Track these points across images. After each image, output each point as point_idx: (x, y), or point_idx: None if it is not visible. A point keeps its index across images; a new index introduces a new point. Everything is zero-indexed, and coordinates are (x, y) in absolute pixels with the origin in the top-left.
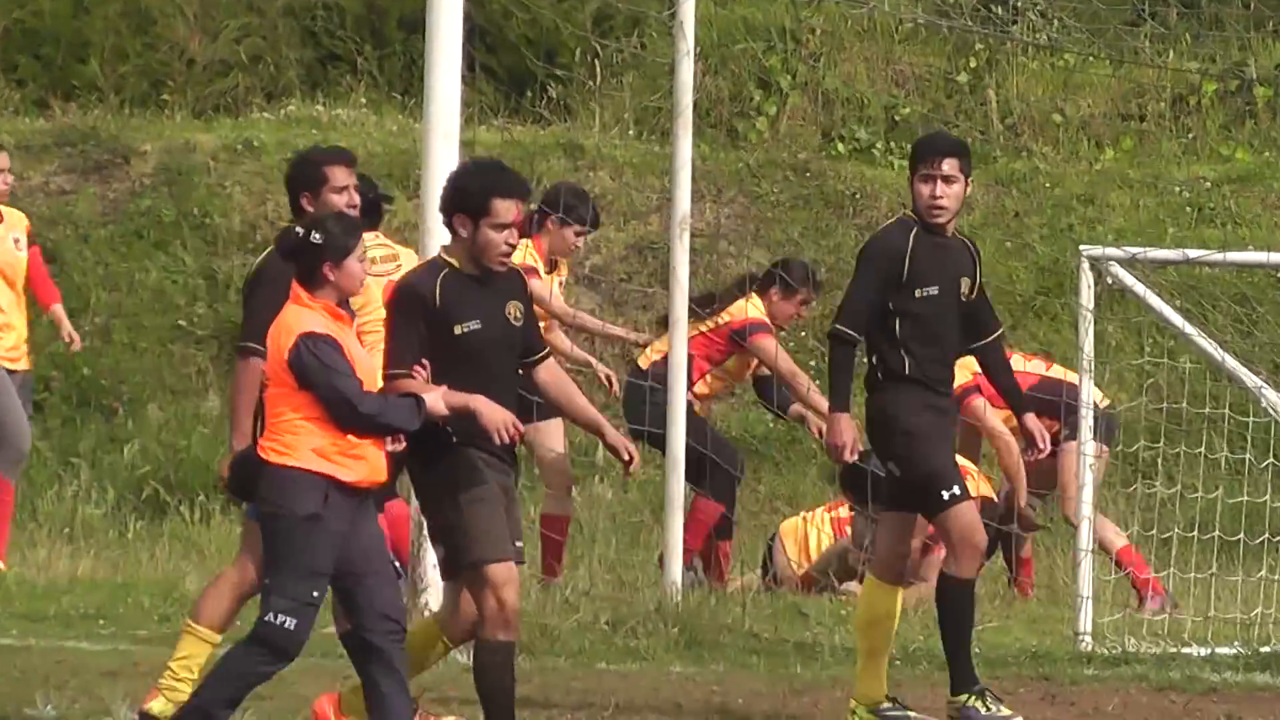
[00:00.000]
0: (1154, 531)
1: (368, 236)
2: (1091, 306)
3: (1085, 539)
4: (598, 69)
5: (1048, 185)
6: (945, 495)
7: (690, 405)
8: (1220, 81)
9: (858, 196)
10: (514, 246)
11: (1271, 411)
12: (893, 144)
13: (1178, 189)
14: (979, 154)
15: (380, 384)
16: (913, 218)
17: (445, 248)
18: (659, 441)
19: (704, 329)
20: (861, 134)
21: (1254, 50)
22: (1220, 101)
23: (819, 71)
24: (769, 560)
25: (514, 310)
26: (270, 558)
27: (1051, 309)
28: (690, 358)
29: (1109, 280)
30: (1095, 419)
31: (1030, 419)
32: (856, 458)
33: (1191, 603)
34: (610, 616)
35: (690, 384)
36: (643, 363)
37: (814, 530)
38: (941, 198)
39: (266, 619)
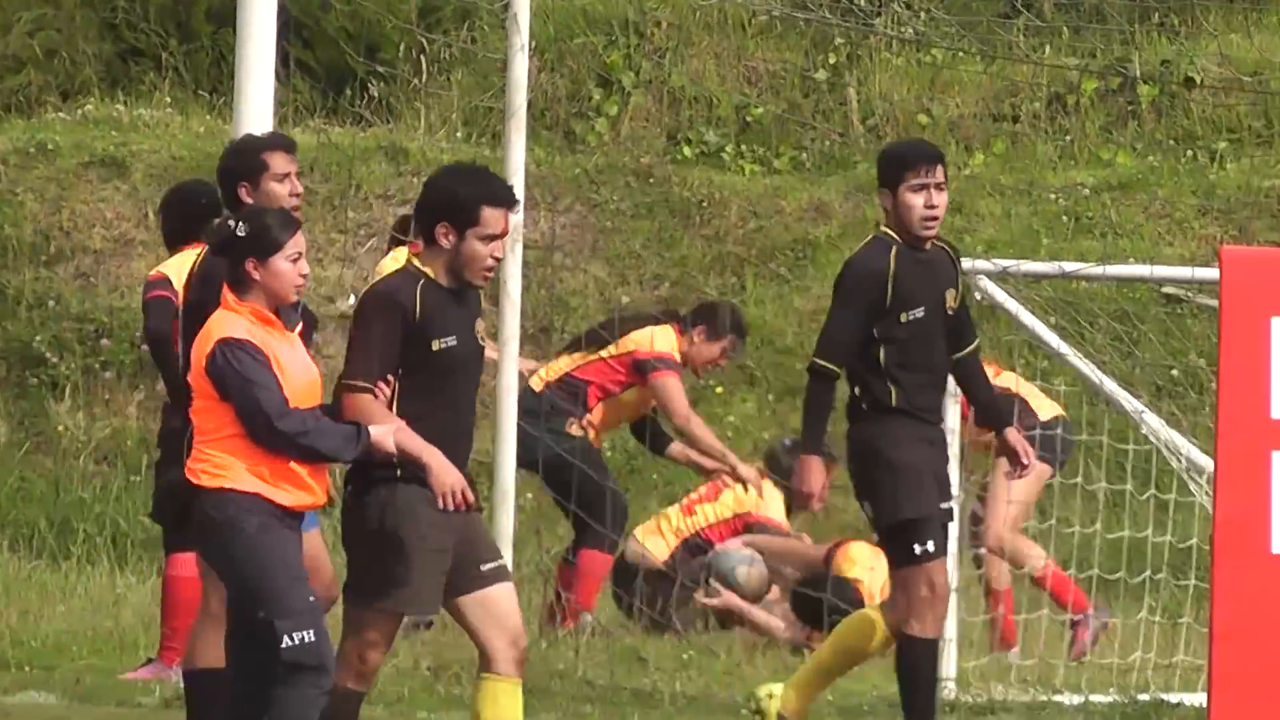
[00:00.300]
0: (1026, 568)
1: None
2: None
3: (952, 575)
4: (424, 65)
5: None
6: (917, 549)
7: (584, 437)
8: (1101, 79)
9: (705, 204)
10: (499, 260)
11: (1153, 439)
12: (744, 147)
13: (1054, 196)
14: (838, 159)
15: (323, 398)
16: (890, 236)
17: (418, 256)
18: (553, 473)
19: (606, 354)
20: (710, 136)
21: (1137, 45)
22: (1100, 101)
23: (664, 68)
24: (624, 592)
25: (480, 328)
26: (244, 585)
27: None
28: (585, 384)
29: (978, 296)
30: (1047, 434)
31: (1012, 433)
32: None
33: (1064, 644)
34: (432, 662)
35: (586, 410)
36: (535, 385)
37: (666, 519)
38: (937, 208)
39: (286, 646)
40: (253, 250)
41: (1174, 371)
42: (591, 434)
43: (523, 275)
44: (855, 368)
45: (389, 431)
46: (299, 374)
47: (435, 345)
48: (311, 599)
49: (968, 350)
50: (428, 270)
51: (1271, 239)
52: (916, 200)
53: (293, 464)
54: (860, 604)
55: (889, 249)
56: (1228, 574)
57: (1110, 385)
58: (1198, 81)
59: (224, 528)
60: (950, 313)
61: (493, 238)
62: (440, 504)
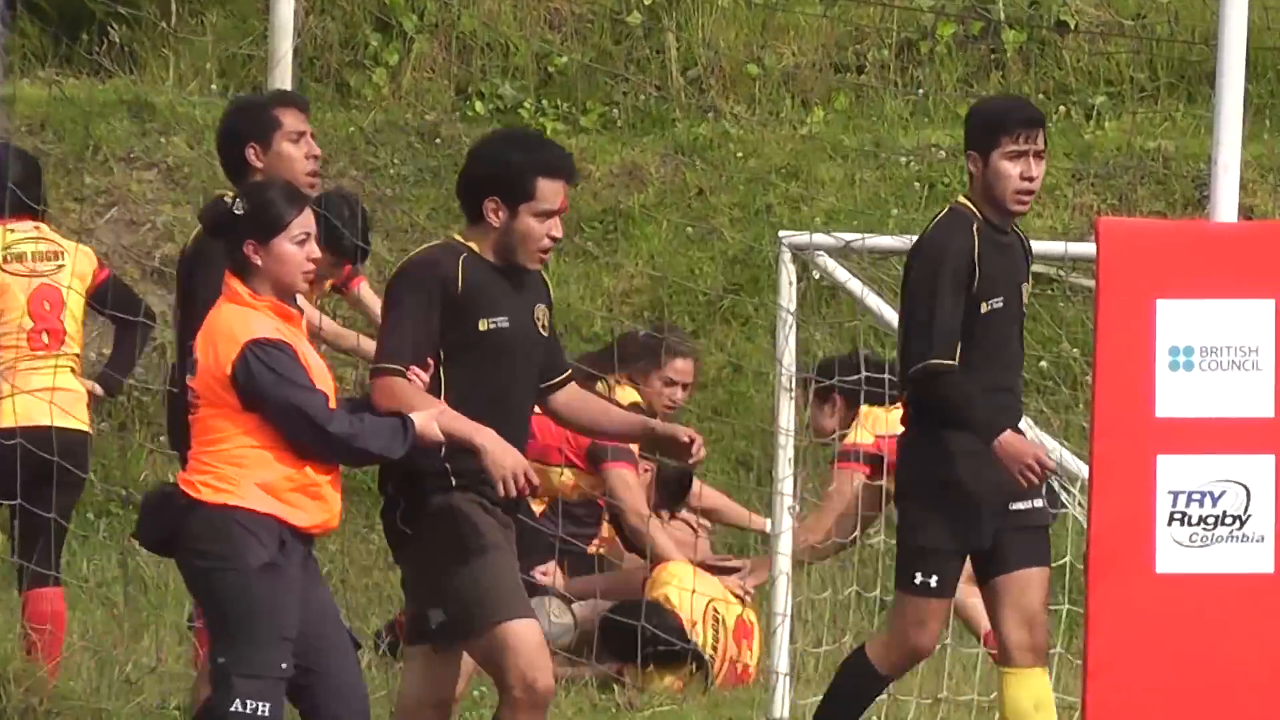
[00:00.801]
0: (875, 592)
1: (22, 226)
2: (794, 307)
3: (782, 599)
4: (172, 6)
5: (740, 155)
6: (916, 578)
7: None
8: (959, 24)
9: None
10: (557, 240)
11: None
12: (545, 102)
13: (905, 160)
14: (654, 116)
15: (346, 390)
16: (968, 208)
17: (462, 233)
18: None
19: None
20: (506, 89)
21: None
22: (959, 49)
23: (453, 10)
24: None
25: (542, 316)
26: (219, 627)
27: (743, 310)
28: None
29: (816, 274)
30: None
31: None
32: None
33: (918, 681)
34: (183, 700)
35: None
36: None
37: None
38: (1035, 180)
39: (234, 710)
40: (252, 231)
41: (1043, 363)
42: None
43: None
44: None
45: (432, 417)
46: (320, 372)
47: (483, 325)
48: (285, 666)
49: None
50: (471, 245)
51: (1156, 209)
52: (1011, 170)
53: (310, 473)
54: (680, 631)
55: (971, 225)
56: (1105, 598)
57: None
58: (1071, 26)
59: (222, 554)
60: (1024, 310)
61: (549, 214)
62: (500, 491)
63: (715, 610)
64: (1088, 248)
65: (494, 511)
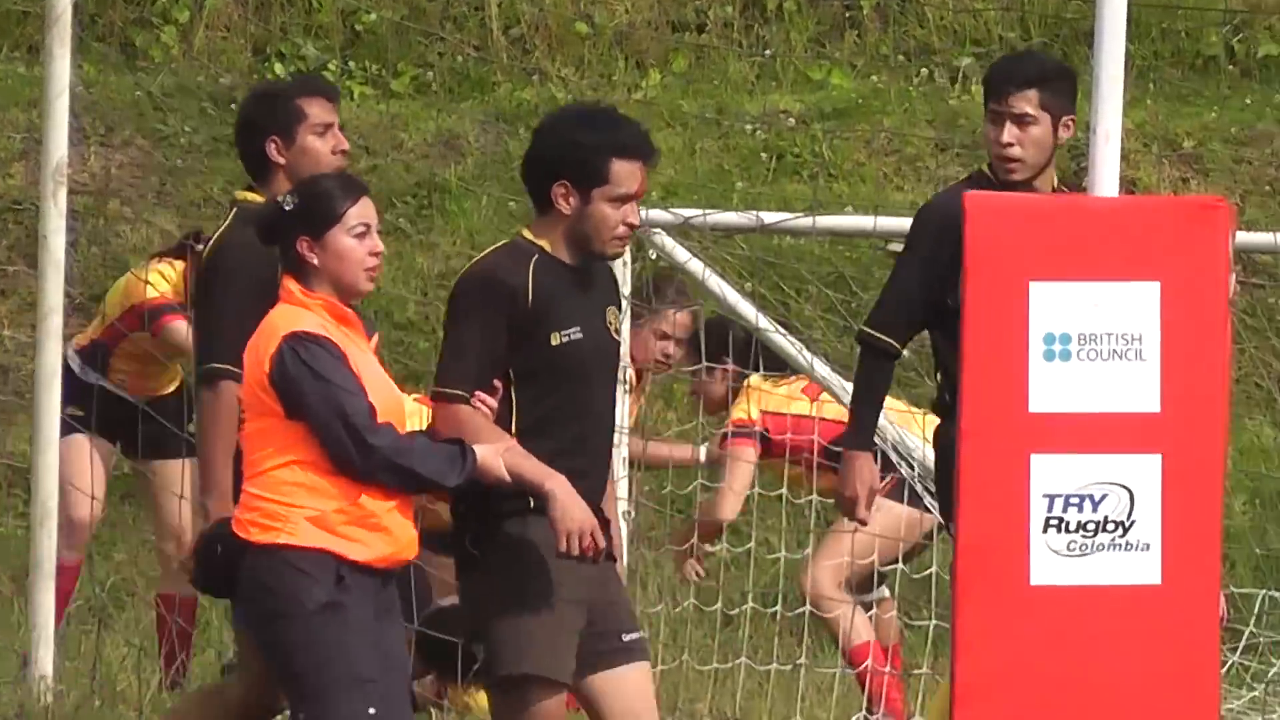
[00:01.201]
0: (717, 605)
1: None
2: (628, 290)
3: None
4: None
5: None
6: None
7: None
8: None
9: None
10: (634, 228)
11: (878, 439)
12: (352, 64)
13: (750, 128)
14: (473, 79)
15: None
16: (987, 174)
17: (530, 228)
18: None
19: None
20: (309, 50)
21: None
22: (810, 6)
23: None
24: None
25: (613, 318)
26: (289, 679)
27: None
28: None
29: (653, 254)
30: None
31: None
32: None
33: (767, 703)
34: None
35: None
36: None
37: None
38: (1012, 145)
39: None
40: (304, 226)
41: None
42: None
43: (68, 229)
44: (941, 348)
45: (498, 452)
46: (381, 390)
47: (555, 339)
48: (372, 711)
49: None
50: (541, 243)
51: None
52: (989, 132)
53: (365, 503)
54: None
55: (971, 189)
56: (973, 613)
57: (823, 370)
58: None
59: (277, 600)
60: None
61: (626, 198)
62: (562, 547)
63: None
64: None
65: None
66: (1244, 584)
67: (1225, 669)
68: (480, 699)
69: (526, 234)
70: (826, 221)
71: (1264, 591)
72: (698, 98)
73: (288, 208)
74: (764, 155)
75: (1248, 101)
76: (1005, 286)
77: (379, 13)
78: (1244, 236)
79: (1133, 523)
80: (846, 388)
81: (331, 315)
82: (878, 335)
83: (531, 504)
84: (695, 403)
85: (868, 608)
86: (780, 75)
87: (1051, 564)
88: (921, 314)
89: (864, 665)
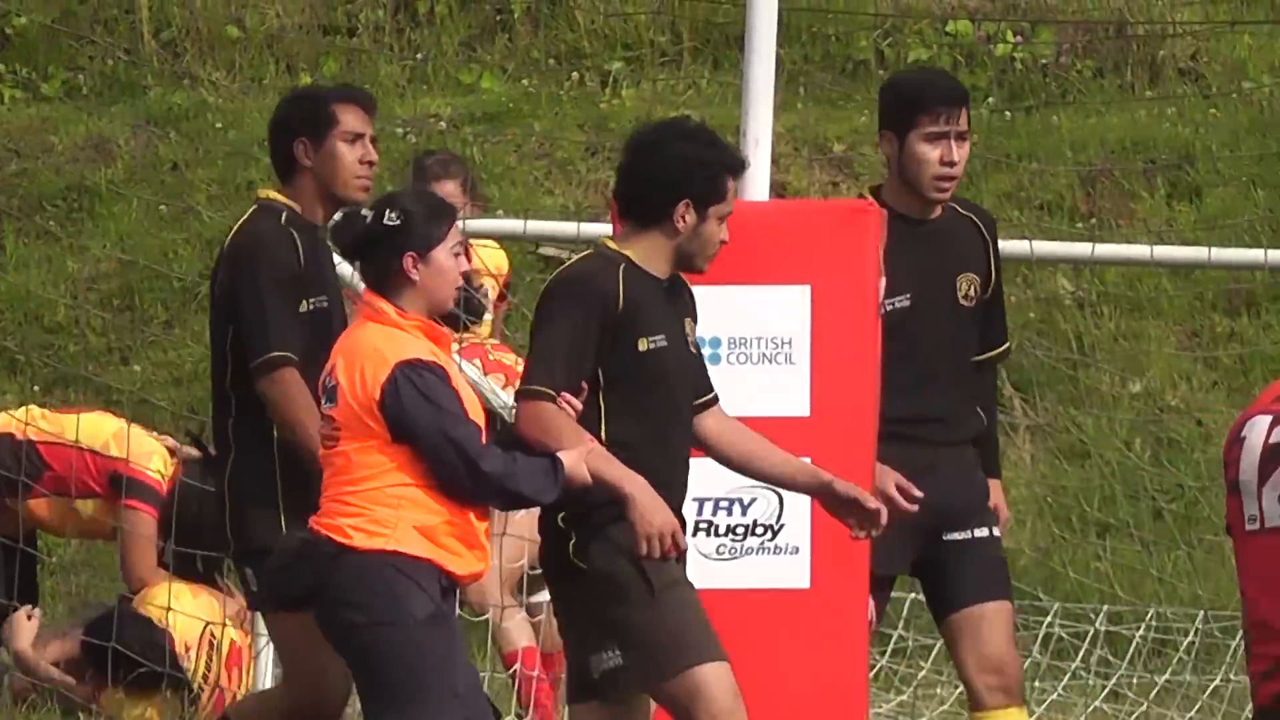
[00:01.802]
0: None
1: None
2: None
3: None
4: None
5: (220, 126)
6: None
7: None
8: None
9: None
10: (725, 244)
11: None
12: (2, 67)
13: (401, 130)
14: (124, 83)
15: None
16: (878, 197)
17: (614, 240)
18: None
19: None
20: None
21: None
22: (461, 9)
23: None
24: None
25: (690, 331)
26: (381, 689)
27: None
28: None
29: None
30: None
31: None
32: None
33: None
34: None
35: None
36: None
37: None
38: (957, 164)
39: None
40: (412, 241)
41: None
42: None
43: None
44: None
45: (581, 456)
46: (473, 408)
47: (643, 344)
48: None
49: (987, 356)
50: (627, 254)
51: None
52: (929, 153)
53: (471, 517)
54: (163, 651)
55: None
56: None
57: (473, 374)
58: None
59: (383, 606)
60: (968, 303)
61: (726, 216)
62: (642, 550)
63: (212, 635)
64: (603, 228)
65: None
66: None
67: (874, 672)
68: (132, 705)
69: (610, 244)
70: (477, 225)
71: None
72: None
73: (392, 222)
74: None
75: None
76: None
77: (29, 16)
78: None
79: (782, 526)
80: (495, 392)
81: (428, 336)
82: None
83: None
84: None
85: (532, 612)
86: (431, 79)
87: (701, 567)
88: None
89: (514, 669)
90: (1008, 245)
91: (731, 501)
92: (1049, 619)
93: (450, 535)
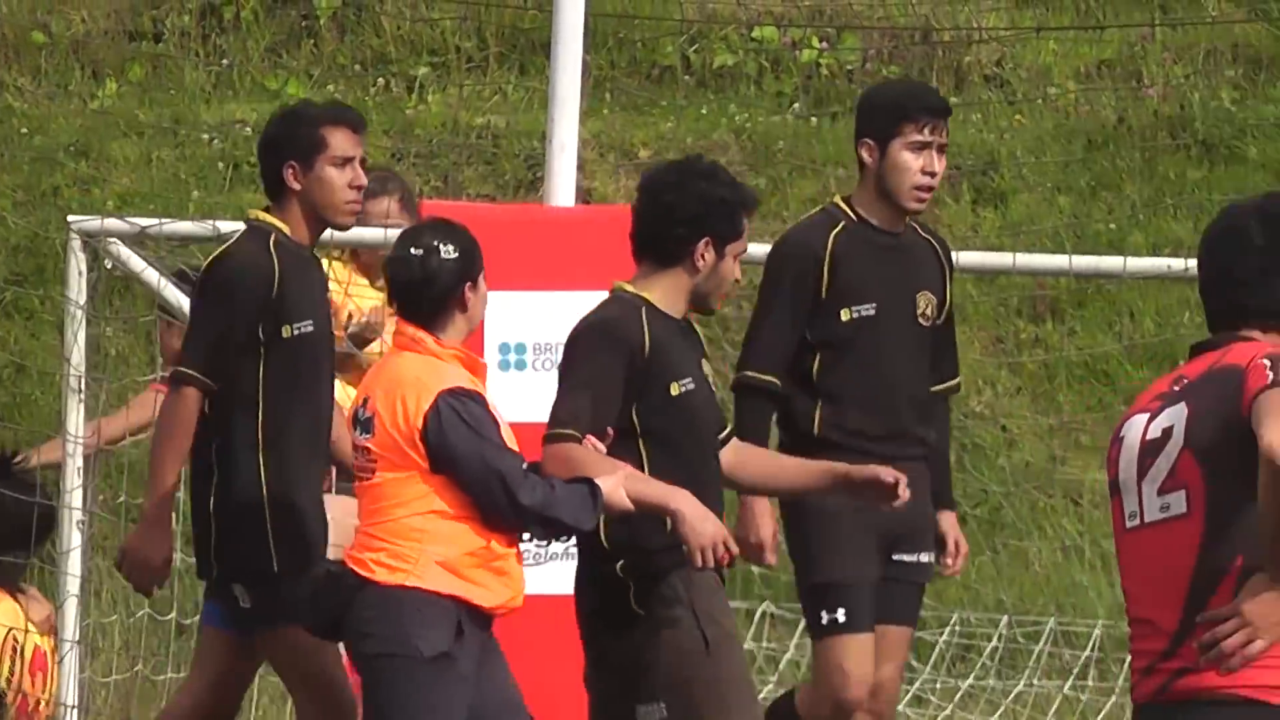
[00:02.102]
0: (171, 615)
1: None
2: (84, 300)
3: (71, 623)
4: None
5: (25, 131)
6: (824, 618)
7: None
8: None
9: None
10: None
11: None
12: None
13: (207, 137)
14: None
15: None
16: (840, 209)
17: (632, 283)
18: None
19: None
20: None
21: None
22: (268, 15)
23: None
24: None
25: (708, 370)
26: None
27: (28, 304)
28: None
29: (109, 263)
30: None
31: (946, 517)
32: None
33: None
34: None
35: None
36: None
37: None
38: (937, 175)
39: None
40: (467, 273)
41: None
42: None
43: None
44: (784, 385)
45: (619, 482)
46: (509, 435)
47: (674, 389)
48: None
49: (943, 386)
50: (645, 296)
51: (485, 191)
52: (914, 162)
53: (495, 547)
54: None
55: (831, 225)
56: None
57: None
58: None
59: (390, 639)
60: (924, 322)
61: (740, 255)
62: (697, 562)
63: (15, 640)
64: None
65: (723, 588)
66: None
67: None
68: None
69: (628, 288)
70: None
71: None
72: (154, 107)
73: (450, 256)
74: (220, 164)
75: (704, 111)
76: None
77: None
78: None
79: None
80: None
81: (465, 366)
82: (756, 375)
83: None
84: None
85: None
86: (237, 85)
87: None
88: (794, 349)
89: None
90: None
91: None
92: None
93: (476, 567)
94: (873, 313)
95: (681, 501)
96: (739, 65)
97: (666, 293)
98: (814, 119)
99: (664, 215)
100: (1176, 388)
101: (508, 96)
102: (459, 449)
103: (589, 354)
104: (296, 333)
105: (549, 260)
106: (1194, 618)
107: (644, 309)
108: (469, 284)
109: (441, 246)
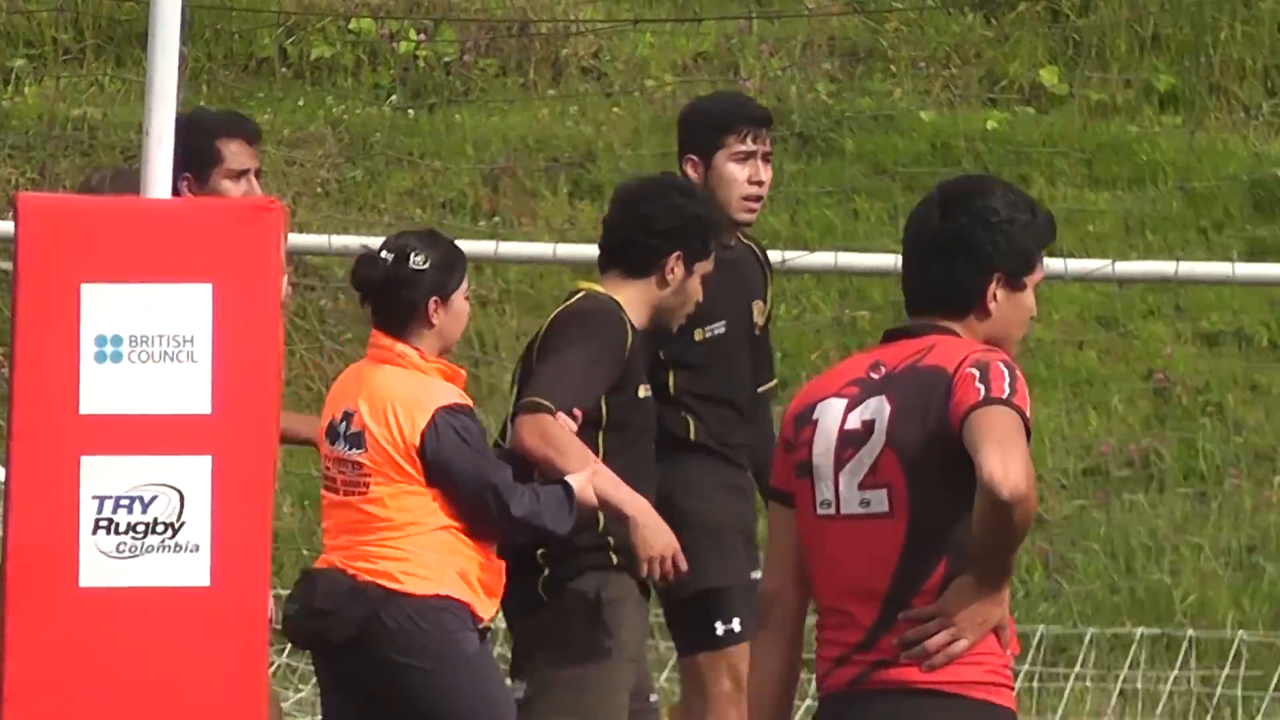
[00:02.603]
0: None
1: None
2: None
3: None
4: None
5: None
6: (719, 629)
7: None
8: None
9: None
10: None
11: None
12: None
13: None
14: None
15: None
16: None
17: (607, 287)
18: None
19: None
20: None
21: None
22: None
23: None
24: None
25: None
26: None
27: None
28: None
29: None
30: None
31: None
32: None
33: None
34: None
35: None
36: None
37: None
38: (765, 184)
39: None
40: (438, 286)
41: None
42: None
43: None
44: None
45: (589, 480)
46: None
47: (642, 391)
48: None
49: (768, 387)
50: (617, 299)
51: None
52: (740, 172)
53: (494, 558)
54: None
55: None
56: (24, 615)
57: None
58: None
59: (441, 648)
60: (758, 330)
61: (704, 275)
62: (644, 572)
63: None
64: (5, 226)
65: (642, 604)
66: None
67: (273, 669)
68: None
69: (598, 289)
70: None
71: None
72: None
73: (418, 266)
74: None
75: (300, 104)
76: (56, 289)
77: None
78: (296, 238)
79: (183, 524)
80: None
81: (448, 379)
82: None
83: (615, 561)
84: None
85: None
86: None
87: (101, 566)
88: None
89: None
90: None
91: (132, 500)
92: None
93: (479, 579)
94: (723, 330)
95: (640, 510)
96: (336, 57)
97: (632, 303)
98: (411, 111)
99: (639, 225)
100: (875, 375)
101: (104, 88)
102: (455, 464)
103: (586, 336)
104: None
105: (144, 252)
106: (894, 614)
107: (622, 312)
108: (436, 298)
109: (414, 255)
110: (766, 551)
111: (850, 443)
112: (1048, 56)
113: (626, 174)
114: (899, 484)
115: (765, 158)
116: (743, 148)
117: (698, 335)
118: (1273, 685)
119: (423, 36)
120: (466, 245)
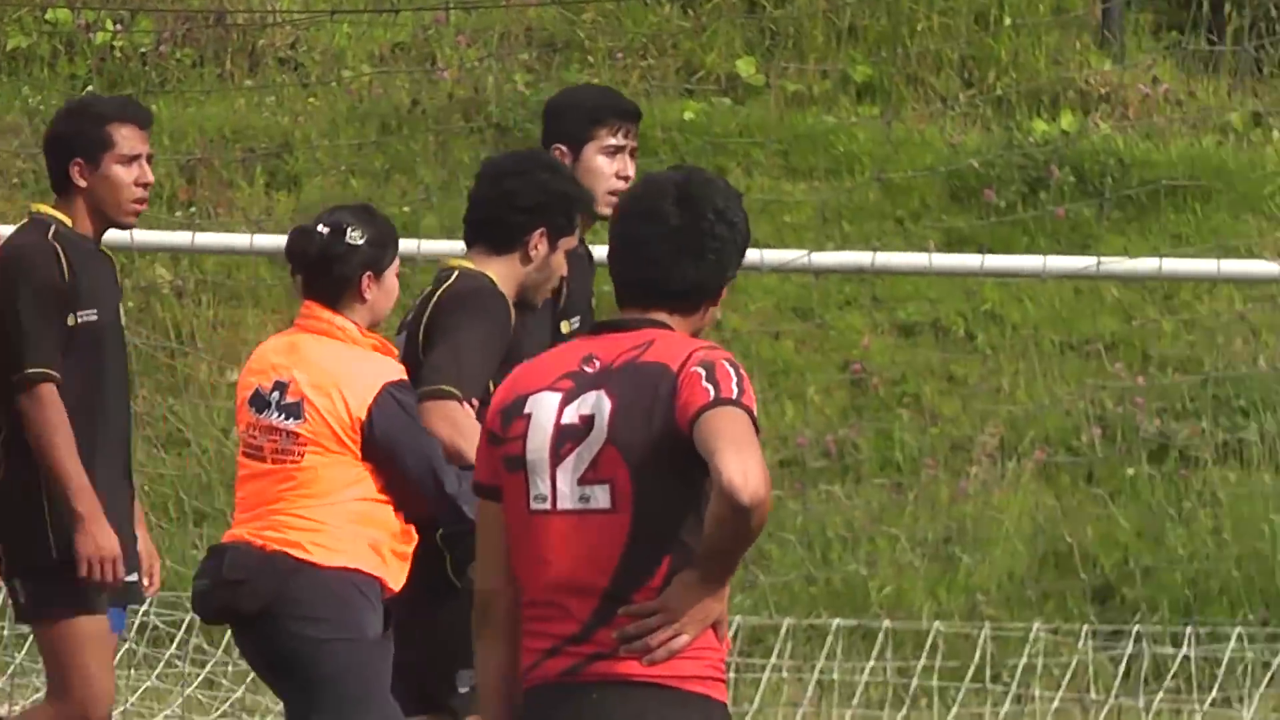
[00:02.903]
0: None
1: None
2: None
3: None
4: None
5: None
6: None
7: None
8: None
9: None
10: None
11: None
12: None
13: None
14: None
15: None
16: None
17: (475, 262)
18: None
19: None
20: None
21: None
22: None
23: None
24: None
25: None
26: (334, 702)
27: None
28: None
29: None
30: None
31: None
32: None
33: None
34: None
35: None
36: None
37: None
38: (631, 179)
39: None
40: (373, 261)
41: None
42: None
43: None
44: None
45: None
46: None
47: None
48: None
49: None
50: (490, 276)
51: None
52: (608, 166)
53: (412, 532)
54: None
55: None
56: None
57: None
58: None
59: (343, 622)
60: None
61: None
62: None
63: None
64: None
65: None
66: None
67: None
68: None
69: (469, 265)
70: None
71: None
72: None
73: (358, 241)
74: None
75: None
76: None
77: None
78: None
79: None
80: None
81: (383, 353)
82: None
83: None
84: None
85: None
86: None
87: None
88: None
89: None
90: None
91: None
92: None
93: (392, 550)
94: (579, 326)
95: None
96: (33, 47)
97: (498, 279)
98: None
99: (503, 200)
100: (589, 369)
101: None
102: (403, 440)
103: (473, 317)
104: (80, 321)
105: None
106: (613, 608)
107: (498, 288)
108: (370, 274)
109: (350, 230)
110: (478, 550)
111: (568, 437)
112: (745, 47)
113: (323, 165)
114: (622, 480)
115: (633, 153)
116: (613, 141)
117: (564, 328)
118: (969, 676)
119: (119, 27)
120: (162, 236)
